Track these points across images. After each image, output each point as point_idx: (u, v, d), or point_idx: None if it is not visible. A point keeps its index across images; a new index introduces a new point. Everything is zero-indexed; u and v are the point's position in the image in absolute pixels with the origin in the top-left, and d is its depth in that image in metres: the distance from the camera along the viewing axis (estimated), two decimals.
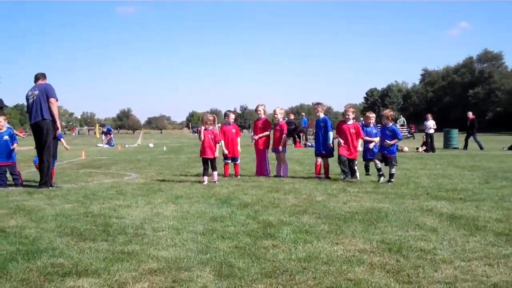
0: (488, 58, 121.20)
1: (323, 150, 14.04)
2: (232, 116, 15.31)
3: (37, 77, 13.11)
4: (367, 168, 15.26)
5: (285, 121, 15.97)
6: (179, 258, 5.76)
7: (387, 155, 12.96)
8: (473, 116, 32.12)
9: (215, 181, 13.11)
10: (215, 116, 14.03)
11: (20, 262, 5.60)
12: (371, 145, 14.51)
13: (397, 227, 7.29)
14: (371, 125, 15.16)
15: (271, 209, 8.88)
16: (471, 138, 30.96)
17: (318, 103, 14.65)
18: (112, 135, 48.17)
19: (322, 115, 14.35)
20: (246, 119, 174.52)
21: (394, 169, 12.84)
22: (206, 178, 13.16)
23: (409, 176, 14.45)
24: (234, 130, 14.95)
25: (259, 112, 15.23)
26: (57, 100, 12.84)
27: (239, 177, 14.42)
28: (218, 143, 13.58)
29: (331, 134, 13.98)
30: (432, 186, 12.05)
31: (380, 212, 8.42)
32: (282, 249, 6.12)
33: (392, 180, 12.64)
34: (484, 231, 6.97)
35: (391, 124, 13.30)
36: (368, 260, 5.63)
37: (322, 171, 14.09)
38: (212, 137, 13.45)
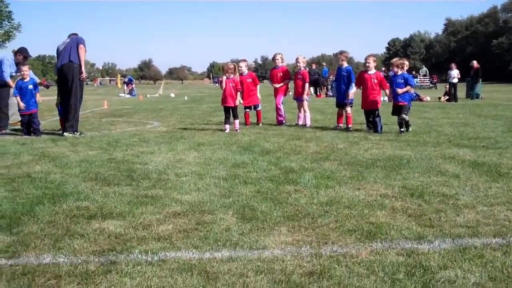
0: None
1: (345, 99, 13.60)
2: (242, 65, 15.04)
3: (71, 34, 13.50)
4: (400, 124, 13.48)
5: (307, 70, 15.75)
6: (202, 201, 5.82)
7: (400, 102, 12.65)
8: (478, 66, 31.81)
9: (236, 129, 13.14)
10: (235, 64, 13.99)
11: (46, 205, 5.70)
12: (401, 90, 12.81)
13: (419, 173, 7.29)
14: (400, 72, 13.13)
15: (293, 156, 8.91)
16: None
17: (342, 52, 14.21)
18: (133, 85, 48.22)
19: (345, 64, 13.95)
20: (267, 69, 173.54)
21: (406, 116, 12.57)
22: (228, 126, 13.18)
23: (431, 124, 14.37)
24: (250, 79, 14.86)
25: (277, 60, 15.07)
26: (85, 50, 13.13)
27: (261, 124, 14.46)
28: (239, 91, 13.54)
29: (353, 86, 13.53)
30: (454, 134, 11.98)
31: (402, 159, 8.41)
32: (304, 194, 6.16)
33: (409, 126, 12.72)
34: (507, 178, 6.95)
35: (400, 72, 13.01)
36: (390, 204, 5.65)
37: (345, 121, 13.68)
38: (233, 85, 13.44)
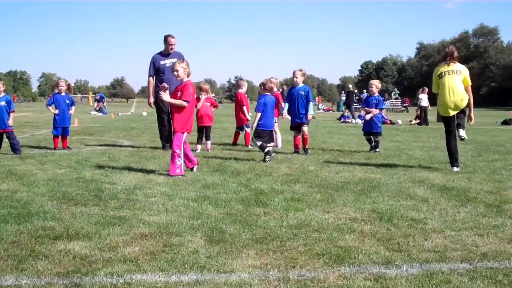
0: (484, 33, 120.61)
1: (300, 120, 12.69)
2: (244, 84, 15.16)
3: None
4: (370, 141, 13.73)
5: (280, 91, 15.64)
6: (171, 223, 5.76)
7: (374, 132, 13.33)
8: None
9: (208, 150, 13.12)
10: (209, 84, 14.31)
11: (11, 225, 5.60)
12: (368, 116, 13.49)
13: (388, 197, 7.32)
14: (374, 94, 13.71)
15: (264, 178, 8.89)
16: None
17: (299, 69, 13.00)
18: (104, 103, 47.94)
19: (301, 83, 12.93)
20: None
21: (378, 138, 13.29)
22: (199, 146, 13.19)
23: (402, 148, 14.48)
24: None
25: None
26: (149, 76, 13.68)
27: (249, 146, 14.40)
28: (216, 107, 14.09)
29: (311, 105, 12.82)
30: (424, 158, 12.08)
31: (371, 182, 8.45)
32: (274, 216, 6.14)
33: (378, 149, 13.14)
34: (475, 202, 7.00)
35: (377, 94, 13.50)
36: (359, 228, 5.65)
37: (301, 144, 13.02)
38: (209, 104, 13.53)
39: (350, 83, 75.95)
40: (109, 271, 4.22)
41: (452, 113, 9.76)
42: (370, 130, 13.42)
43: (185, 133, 9.17)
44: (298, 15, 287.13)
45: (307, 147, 12.80)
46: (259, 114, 11.40)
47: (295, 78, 12.90)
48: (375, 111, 13.24)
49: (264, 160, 10.91)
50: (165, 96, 9.07)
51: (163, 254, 4.71)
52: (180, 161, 8.97)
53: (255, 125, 11.42)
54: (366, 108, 13.73)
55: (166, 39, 13.58)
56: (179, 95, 9.10)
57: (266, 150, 11.04)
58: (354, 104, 38.68)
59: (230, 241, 5.11)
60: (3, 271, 4.23)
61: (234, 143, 15.07)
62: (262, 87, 11.87)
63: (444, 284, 3.99)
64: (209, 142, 13.39)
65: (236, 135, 15.25)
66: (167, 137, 13.33)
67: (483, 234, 5.46)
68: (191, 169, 9.53)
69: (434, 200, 7.13)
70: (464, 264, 4.48)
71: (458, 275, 4.19)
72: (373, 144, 13.38)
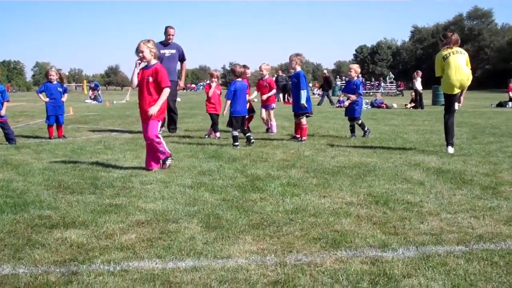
0: (478, 16, 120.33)
1: (295, 109, 12.46)
2: (247, 72, 14.40)
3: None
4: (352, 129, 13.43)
5: (273, 77, 15.54)
6: (167, 210, 5.77)
7: (352, 117, 13.31)
8: (327, 75, 37.17)
9: (218, 137, 13.10)
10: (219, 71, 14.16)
11: (7, 214, 5.60)
12: (346, 103, 13.54)
13: (384, 181, 7.33)
14: (353, 79, 13.54)
15: (259, 163, 8.89)
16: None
17: (296, 54, 12.46)
18: (99, 91, 47.82)
19: (298, 69, 12.39)
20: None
21: (360, 121, 13.30)
22: (218, 133, 13.22)
23: (397, 132, 14.49)
24: (266, 84, 14.45)
25: (262, 72, 14.43)
26: None
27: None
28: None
29: (304, 93, 12.08)
30: (420, 141, 12.10)
31: (367, 166, 8.46)
32: (270, 202, 6.14)
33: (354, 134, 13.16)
34: (471, 185, 7.02)
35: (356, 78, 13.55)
36: (355, 212, 5.66)
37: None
38: (219, 92, 13.54)
39: (345, 68, 75.80)
40: (106, 259, 4.23)
41: (457, 91, 9.94)
42: (349, 115, 13.39)
43: (160, 122, 8.85)
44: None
45: (301, 136, 12.31)
46: (229, 102, 11.43)
47: (293, 65, 12.42)
48: (352, 97, 13.17)
49: (234, 145, 11.09)
50: (153, 110, 8.22)
51: (160, 241, 4.71)
52: (162, 146, 8.43)
53: (226, 112, 11.53)
54: (347, 94, 13.69)
55: (166, 29, 14.84)
56: (151, 80, 8.22)
57: (235, 134, 11.25)
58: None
59: (226, 227, 5.12)
60: (0, 260, 4.24)
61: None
62: (232, 74, 11.76)
63: (441, 267, 4.00)
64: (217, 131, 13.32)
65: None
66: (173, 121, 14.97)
67: (479, 216, 5.48)
68: (149, 169, 8.38)
69: (430, 183, 7.15)
70: (460, 247, 4.50)
71: (454, 257, 4.21)
72: (349, 127, 13.35)
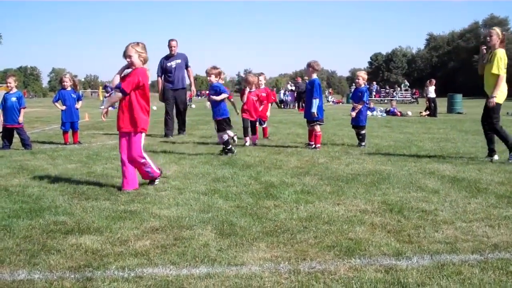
0: (494, 23, 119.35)
1: (307, 116, 12.34)
2: (261, 79, 14.48)
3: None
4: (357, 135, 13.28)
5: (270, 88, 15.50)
6: (181, 216, 5.78)
7: (358, 125, 13.01)
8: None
9: (255, 143, 13.01)
10: (258, 77, 13.85)
11: (23, 220, 5.64)
12: (353, 113, 12.96)
13: (398, 189, 7.31)
14: (360, 86, 13.25)
15: (274, 170, 8.89)
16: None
17: (313, 61, 12.38)
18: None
19: (314, 76, 12.32)
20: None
21: (363, 131, 12.96)
22: (248, 139, 13.04)
23: (412, 139, 14.43)
24: (264, 94, 14.27)
25: (260, 82, 14.24)
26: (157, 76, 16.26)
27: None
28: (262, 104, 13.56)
29: (316, 102, 12.02)
30: (435, 149, 12.04)
31: (382, 174, 8.43)
32: (284, 209, 6.14)
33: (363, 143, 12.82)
34: (486, 193, 6.98)
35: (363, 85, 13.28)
36: (369, 220, 5.65)
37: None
38: (256, 99, 13.28)
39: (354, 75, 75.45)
40: (120, 265, 4.25)
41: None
42: (355, 124, 13.05)
43: (143, 134, 7.58)
44: (308, 7, 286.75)
45: (315, 143, 12.22)
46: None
47: (309, 73, 12.44)
48: (358, 106, 12.88)
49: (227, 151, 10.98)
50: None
51: (174, 247, 4.73)
52: (148, 167, 7.53)
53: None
54: (353, 103, 13.25)
55: (168, 42, 16.00)
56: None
57: (227, 139, 11.07)
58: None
59: (240, 234, 5.12)
60: (15, 265, 4.27)
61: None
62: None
63: (455, 275, 3.99)
64: (247, 138, 12.98)
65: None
66: (170, 126, 15.85)
67: (494, 225, 5.45)
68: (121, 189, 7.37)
69: (445, 192, 7.12)
70: (475, 255, 4.47)
71: (469, 266, 4.19)
72: (356, 136, 13.11)
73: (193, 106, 43.25)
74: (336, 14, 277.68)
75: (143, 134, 7.58)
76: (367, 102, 13.23)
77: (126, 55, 7.45)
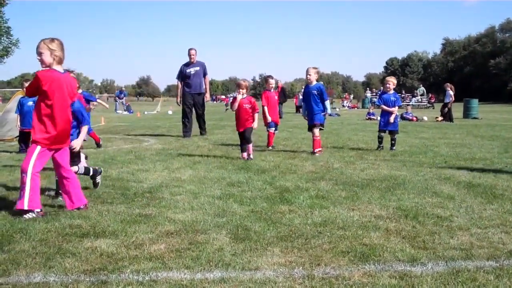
0: (511, 28, 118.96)
1: (317, 120, 12.11)
2: (271, 81, 14.20)
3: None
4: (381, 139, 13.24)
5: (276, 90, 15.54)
6: (196, 221, 5.80)
7: (393, 130, 13.08)
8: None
9: (249, 155, 11.24)
10: (248, 82, 12.31)
11: (39, 223, 5.67)
12: (392, 118, 12.89)
13: (414, 194, 7.28)
14: (390, 91, 13.21)
15: (288, 175, 8.89)
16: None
17: (313, 67, 12.32)
18: (123, 100, 47.85)
19: (315, 82, 12.19)
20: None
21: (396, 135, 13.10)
22: (245, 154, 11.20)
23: (428, 145, 14.37)
24: (276, 97, 14.34)
25: (271, 84, 14.19)
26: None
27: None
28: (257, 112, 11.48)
29: (328, 103, 12.31)
30: (450, 154, 11.97)
31: (397, 180, 8.40)
32: (298, 214, 6.14)
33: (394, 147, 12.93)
34: (502, 199, 6.93)
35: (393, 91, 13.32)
36: (384, 226, 5.63)
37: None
38: (250, 106, 11.30)
39: (375, 80, 75.29)
40: (135, 269, 4.27)
41: None
42: (392, 129, 13.05)
43: (38, 146, 6.21)
44: (323, 11, 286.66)
45: (315, 150, 12.00)
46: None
47: (308, 76, 12.23)
48: (395, 110, 13.00)
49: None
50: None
51: (189, 251, 4.74)
52: (26, 192, 6.04)
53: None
54: (385, 107, 13.08)
55: (188, 51, 17.59)
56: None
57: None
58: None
59: (255, 238, 5.13)
60: (31, 268, 4.30)
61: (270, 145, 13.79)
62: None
63: (470, 282, 3.96)
64: (250, 145, 11.28)
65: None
66: (188, 128, 17.32)
67: (509, 231, 5.41)
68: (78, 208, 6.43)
69: (460, 197, 7.08)
70: (490, 262, 4.45)
71: (484, 273, 4.17)
72: (378, 139, 13.22)
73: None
74: (351, 19, 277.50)
75: (38, 148, 6.22)
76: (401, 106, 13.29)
77: (37, 51, 6.32)
